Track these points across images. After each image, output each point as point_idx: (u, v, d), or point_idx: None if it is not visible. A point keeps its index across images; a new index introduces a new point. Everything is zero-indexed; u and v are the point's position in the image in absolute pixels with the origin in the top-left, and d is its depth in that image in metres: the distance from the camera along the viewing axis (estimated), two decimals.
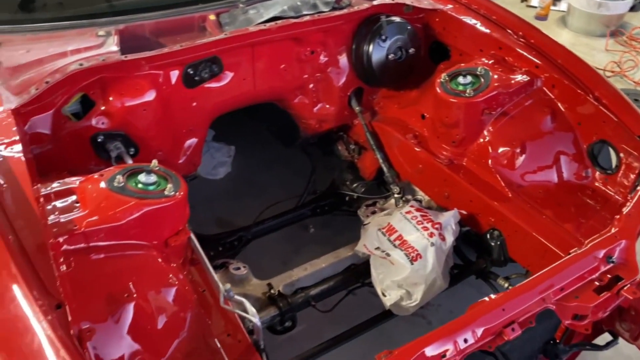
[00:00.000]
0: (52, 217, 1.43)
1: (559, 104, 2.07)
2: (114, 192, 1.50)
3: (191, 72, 2.10)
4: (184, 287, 1.55)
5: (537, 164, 2.07)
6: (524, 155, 2.06)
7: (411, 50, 2.44)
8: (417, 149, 2.30)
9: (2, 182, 1.43)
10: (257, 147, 3.30)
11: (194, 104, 2.19)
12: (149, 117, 2.03)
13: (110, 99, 1.94)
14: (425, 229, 1.97)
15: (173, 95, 2.11)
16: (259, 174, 3.29)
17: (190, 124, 2.23)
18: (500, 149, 2.07)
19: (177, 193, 1.57)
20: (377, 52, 2.37)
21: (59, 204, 1.48)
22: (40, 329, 1.10)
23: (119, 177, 1.53)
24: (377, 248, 2.01)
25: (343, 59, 2.46)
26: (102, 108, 1.94)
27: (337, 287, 2.14)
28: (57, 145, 1.92)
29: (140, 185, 1.56)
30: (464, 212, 2.12)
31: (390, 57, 2.40)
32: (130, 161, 1.98)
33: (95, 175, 1.56)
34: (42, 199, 1.47)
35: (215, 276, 1.61)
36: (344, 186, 2.72)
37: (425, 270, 1.89)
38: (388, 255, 1.96)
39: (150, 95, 2.01)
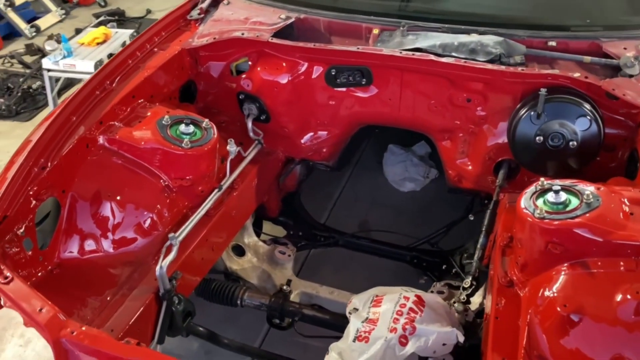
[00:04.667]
0: (117, 122, 1.97)
1: None
2: (156, 126, 1.92)
3: (333, 72, 2.25)
4: (161, 219, 1.90)
5: (586, 350, 1.42)
6: (573, 330, 1.44)
7: (572, 144, 1.89)
8: (498, 253, 1.86)
9: (114, 85, 2.04)
10: None
11: (332, 102, 2.34)
12: (279, 96, 2.32)
13: (258, 69, 2.32)
14: (396, 321, 1.67)
15: (312, 87, 2.32)
16: (431, 204, 3.14)
17: (324, 118, 2.40)
18: (548, 303, 1.50)
19: (188, 149, 1.88)
20: (524, 125, 1.95)
21: (132, 116, 2.01)
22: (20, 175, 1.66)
23: (168, 119, 1.94)
24: (356, 308, 1.83)
25: (503, 122, 2.11)
26: (248, 73, 2.34)
27: (329, 324, 2.06)
28: (217, 88, 2.45)
29: (177, 132, 1.93)
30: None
31: (537, 138, 1.93)
32: (249, 124, 2.36)
33: (166, 110, 2.01)
34: (129, 109, 2.03)
35: (188, 228, 1.87)
36: (459, 257, 2.40)
37: (359, 355, 1.64)
38: (348, 319, 1.78)
39: (284, 79, 2.28)
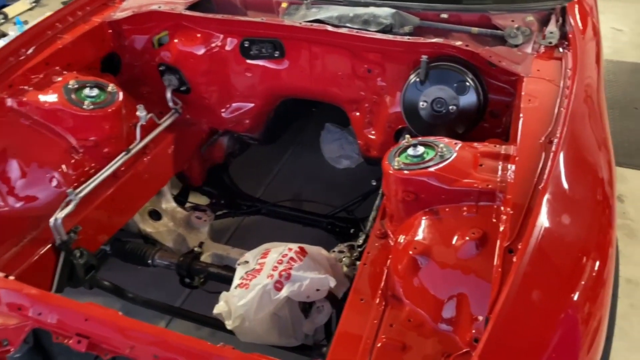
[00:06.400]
0: (27, 86, 2.08)
1: (497, 248, 1.41)
2: (62, 89, 2.03)
3: (247, 45, 2.37)
4: (65, 177, 2.02)
5: (430, 289, 1.53)
6: (420, 271, 1.55)
7: (452, 108, 2.01)
8: (381, 209, 1.97)
9: (28, 53, 2.15)
10: None
11: (249, 74, 2.46)
12: (196, 67, 2.43)
13: (175, 40, 2.43)
14: (275, 269, 1.79)
15: (228, 59, 2.43)
16: (364, 180, 3.25)
17: (242, 90, 2.51)
18: (403, 247, 1.62)
19: (90, 111, 1.99)
20: (410, 91, 2.07)
21: (44, 81, 2.12)
22: None
23: (74, 83, 2.05)
24: (246, 261, 1.95)
25: (400, 91, 2.22)
26: (167, 45, 2.45)
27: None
28: (141, 61, 2.55)
29: (82, 95, 2.04)
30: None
31: (422, 104, 2.05)
32: (168, 94, 2.47)
33: (75, 76, 2.12)
34: (42, 75, 2.13)
35: (90, 186, 1.99)
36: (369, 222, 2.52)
37: (238, 301, 1.76)
38: (234, 269, 1.90)
39: (200, 50, 2.39)
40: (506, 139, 2.02)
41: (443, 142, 1.70)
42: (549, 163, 1.50)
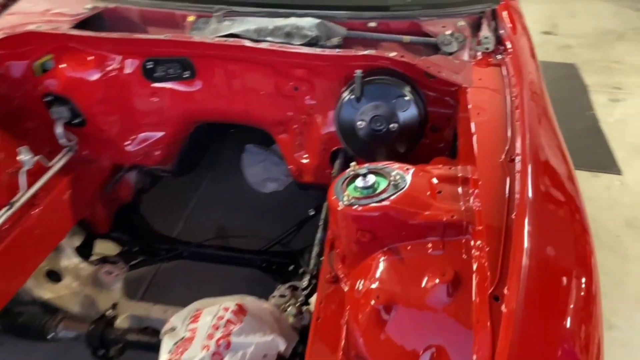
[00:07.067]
0: None
1: (474, 290, 1.22)
2: None
3: (150, 66, 2.04)
4: None
5: (401, 343, 1.31)
6: (387, 323, 1.33)
7: (392, 126, 1.82)
8: (327, 246, 1.73)
9: None
10: None
11: (155, 99, 2.13)
12: (91, 95, 2.07)
13: (62, 65, 2.05)
14: (211, 337, 1.49)
15: (129, 84, 2.09)
16: (295, 203, 3.00)
17: (149, 117, 2.18)
18: (363, 296, 1.39)
19: None
20: (346, 110, 1.86)
21: None
22: None
23: None
24: (173, 328, 1.62)
25: (333, 110, 2.00)
26: (52, 72, 2.05)
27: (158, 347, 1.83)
28: (22, 92, 2.13)
29: None
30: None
31: (359, 123, 1.84)
32: (59, 129, 2.08)
33: None
34: None
35: None
36: (308, 255, 2.27)
37: None
38: (161, 338, 1.57)
39: (93, 75, 2.03)
40: (451, 155, 1.86)
41: (394, 168, 1.48)
42: (517, 186, 1.33)
